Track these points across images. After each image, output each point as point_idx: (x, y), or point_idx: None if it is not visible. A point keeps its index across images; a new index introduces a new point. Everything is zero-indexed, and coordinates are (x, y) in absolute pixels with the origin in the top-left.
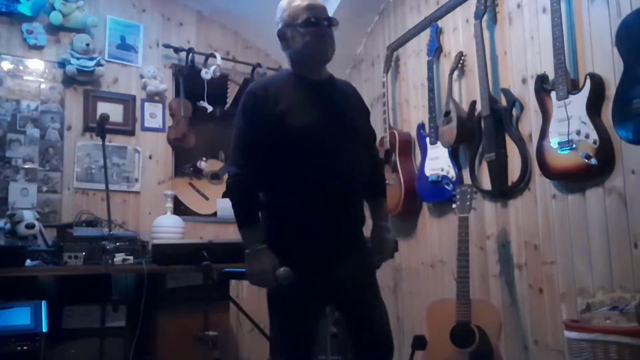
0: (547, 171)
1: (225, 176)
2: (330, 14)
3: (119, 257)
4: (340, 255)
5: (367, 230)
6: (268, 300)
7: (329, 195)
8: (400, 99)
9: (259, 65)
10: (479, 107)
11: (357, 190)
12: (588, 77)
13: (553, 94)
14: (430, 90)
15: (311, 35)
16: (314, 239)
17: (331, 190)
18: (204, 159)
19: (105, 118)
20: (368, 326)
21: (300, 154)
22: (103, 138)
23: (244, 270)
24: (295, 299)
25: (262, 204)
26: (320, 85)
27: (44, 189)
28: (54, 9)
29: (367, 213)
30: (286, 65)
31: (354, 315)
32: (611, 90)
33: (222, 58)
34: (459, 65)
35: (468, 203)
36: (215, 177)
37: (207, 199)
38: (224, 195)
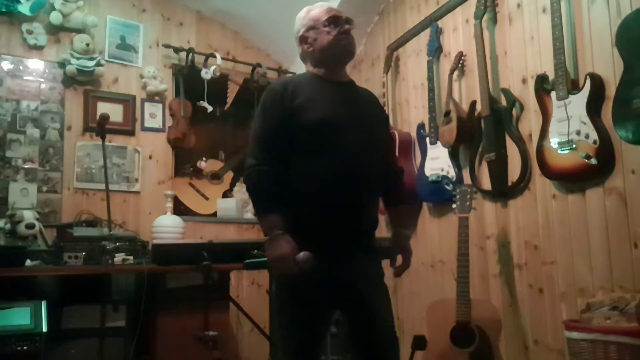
0: (547, 171)
1: (226, 176)
2: None
3: (119, 257)
4: (350, 254)
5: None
6: (277, 298)
7: (340, 193)
8: (400, 99)
9: (259, 65)
10: (479, 107)
11: (369, 190)
12: (588, 77)
13: (553, 94)
14: (430, 90)
15: (335, 33)
16: (324, 235)
17: (342, 188)
18: (204, 159)
19: (105, 118)
20: (371, 327)
21: (313, 149)
22: (103, 138)
23: (264, 259)
24: (306, 298)
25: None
26: (340, 86)
27: (44, 189)
28: (54, 9)
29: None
30: (286, 65)
31: (359, 318)
32: (611, 90)
33: (222, 58)
34: (459, 65)
35: (468, 203)
36: (215, 177)
37: (207, 199)
38: (224, 195)
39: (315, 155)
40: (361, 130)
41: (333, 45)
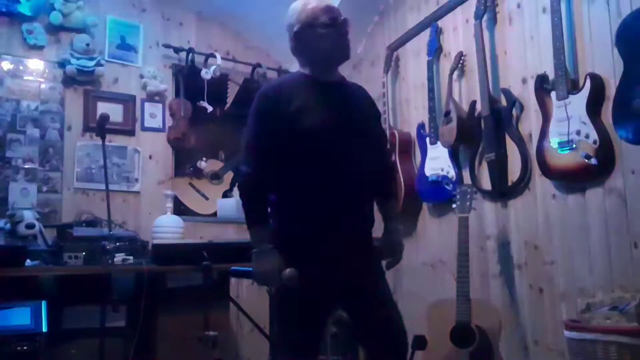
0: (547, 171)
1: (226, 176)
2: None
3: (119, 257)
4: (350, 256)
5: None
6: (274, 302)
7: (339, 195)
8: (400, 99)
9: (259, 65)
10: (479, 107)
11: (366, 191)
12: (588, 77)
13: (553, 94)
14: (430, 90)
15: (333, 36)
16: (323, 239)
17: (341, 191)
18: (204, 159)
19: (105, 118)
20: (380, 326)
21: (311, 153)
22: (103, 138)
23: (250, 269)
24: (304, 303)
25: (273, 203)
26: (333, 87)
27: (44, 189)
28: (54, 9)
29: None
30: (286, 65)
31: (365, 317)
32: (611, 90)
33: (222, 58)
34: (459, 65)
35: (468, 203)
36: (215, 177)
37: (207, 199)
38: (224, 195)
39: (311, 160)
40: (358, 132)
41: (331, 50)
